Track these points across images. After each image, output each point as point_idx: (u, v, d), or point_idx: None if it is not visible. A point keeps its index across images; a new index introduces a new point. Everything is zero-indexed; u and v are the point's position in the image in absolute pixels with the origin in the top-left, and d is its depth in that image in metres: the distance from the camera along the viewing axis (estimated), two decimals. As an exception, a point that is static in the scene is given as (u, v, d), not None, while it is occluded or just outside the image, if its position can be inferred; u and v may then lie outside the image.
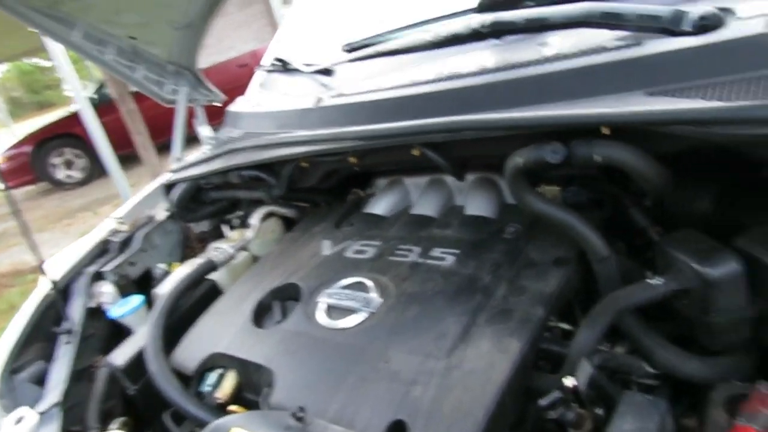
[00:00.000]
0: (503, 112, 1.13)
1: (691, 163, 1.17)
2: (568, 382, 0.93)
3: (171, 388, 1.25)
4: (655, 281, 1.05)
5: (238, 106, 2.05)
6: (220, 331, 1.37)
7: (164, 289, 1.71)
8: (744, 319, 1.00)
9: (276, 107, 1.75)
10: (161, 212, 1.98)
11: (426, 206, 1.56)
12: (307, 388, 1.13)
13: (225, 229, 2.00)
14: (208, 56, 7.49)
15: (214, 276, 1.68)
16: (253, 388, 1.24)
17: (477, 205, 1.47)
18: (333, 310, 1.28)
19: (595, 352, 1.02)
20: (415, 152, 1.33)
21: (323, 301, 1.32)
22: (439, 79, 1.33)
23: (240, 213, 1.94)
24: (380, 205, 1.65)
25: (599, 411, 1.08)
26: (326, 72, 1.72)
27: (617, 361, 1.10)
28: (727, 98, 0.91)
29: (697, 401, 1.08)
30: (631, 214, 1.28)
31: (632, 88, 1.05)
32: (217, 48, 7.86)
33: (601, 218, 1.29)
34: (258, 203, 1.87)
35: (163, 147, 2.06)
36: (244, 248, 1.78)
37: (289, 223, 1.92)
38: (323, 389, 1.10)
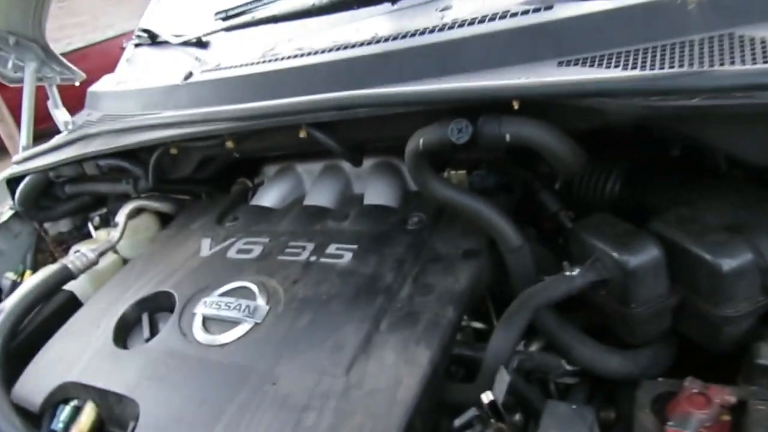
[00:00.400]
0: (400, 86, 1.00)
1: (599, 142, 1.09)
2: (485, 398, 0.80)
3: (10, 428, 1.04)
4: (572, 273, 0.95)
5: (101, 85, 1.77)
6: (73, 354, 1.16)
7: (10, 303, 1.42)
8: (666, 309, 0.93)
9: (140, 85, 1.50)
10: (6, 211, 1.67)
11: (321, 196, 1.40)
12: (177, 421, 0.96)
13: (92, 228, 1.72)
14: (84, 34, 6.82)
15: (71, 286, 1.42)
16: (116, 422, 1.05)
17: (377, 193, 1.33)
18: (211, 322, 1.11)
19: (512, 358, 0.91)
20: (302, 134, 1.15)
21: (200, 311, 1.12)
22: (328, 50, 1.16)
23: (104, 210, 1.66)
24: (269, 196, 1.46)
25: (517, 417, 0.99)
26: (199, 44, 1.49)
27: (534, 362, 1.01)
28: (649, 66, 0.81)
29: (613, 392, 1.02)
30: (542, 198, 1.18)
31: (543, 57, 0.94)
32: (93, 25, 7.14)
33: (511, 203, 1.19)
34: (126, 198, 1.61)
35: (38, 136, 1.72)
36: (109, 251, 1.52)
37: (166, 219, 1.67)
38: (197, 422, 0.93)
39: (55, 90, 1.91)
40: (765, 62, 0.74)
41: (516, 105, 0.91)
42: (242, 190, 1.57)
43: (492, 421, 0.84)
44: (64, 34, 5.96)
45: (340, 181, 1.43)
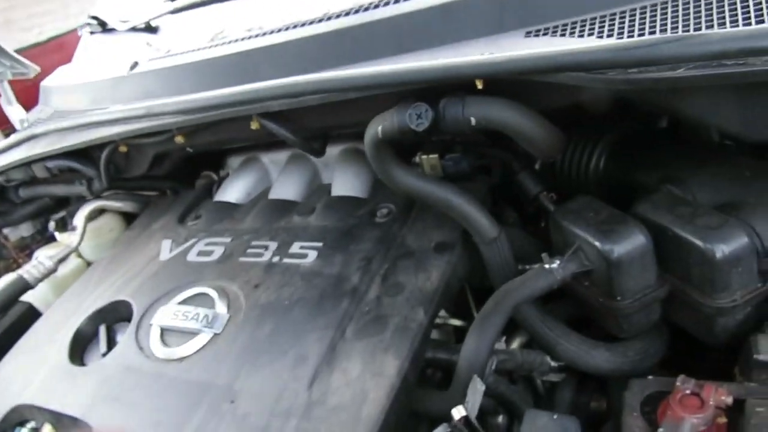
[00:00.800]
0: (353, 68, 0.89)
1: (579, 116, 0.99)
2: (457, 413, 0.72)
3: None
4: (551, 265, 0.87)
5: (53, 78, 1.65)
6: (28, 372, 1.08)
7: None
8: (655, 300, 0.85)
9: (88, 77, 1.39)
10: (-42, 218, 1.58)
11: (286, 188, 1.30)
12: None
13: (56, 232, 1.63)
14: (54, 22, 6.58)
15: (30, 296, 1.34)
16: None
17: (345, 182, 1.24)
18: (169, 334, 1.03)
19: (488, 362, 0.83)
20: (255, 125, 1.05)
21: (157, 322, 1.04)
22: (276, 30, 1.06)
23: (63, 213, 1.57)
24: (233, 190, 1.37)
25: (499, 419, 0.92)
26: (148, 29, 1.38)
27: (516, 361, 0.94)
28: (627, 33, 0.71)
29: (603, 381, 0.97)
30: (521, 180, 1.09)
31: (508, 28, 0.84)
32: (64, 13, 6.89)
33: (487, 187, 1.10)
34: (84, 199, 1.51)
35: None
36: (69, 257, 1.43)
37: (131, 218, 1.58)
38: None
39: (6, 86, 1.80)
40: (759, 22, 0.64)
41: (480, 84, 0.81)
42: (207, 184, 1.48)
43: (466, 435, 0.77)
44: (34, 23, 5.73)
45: (308, 171, 1.34)
